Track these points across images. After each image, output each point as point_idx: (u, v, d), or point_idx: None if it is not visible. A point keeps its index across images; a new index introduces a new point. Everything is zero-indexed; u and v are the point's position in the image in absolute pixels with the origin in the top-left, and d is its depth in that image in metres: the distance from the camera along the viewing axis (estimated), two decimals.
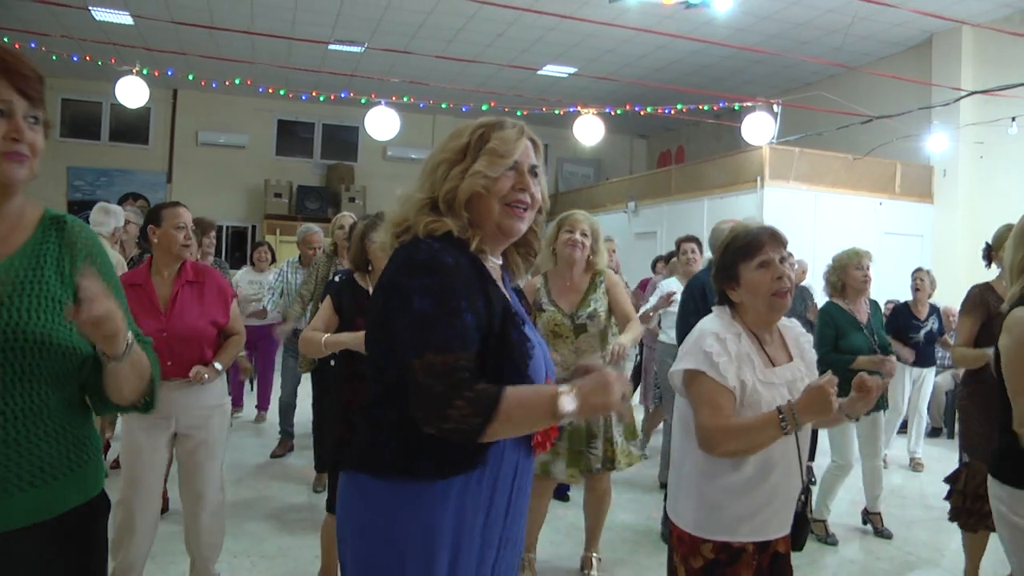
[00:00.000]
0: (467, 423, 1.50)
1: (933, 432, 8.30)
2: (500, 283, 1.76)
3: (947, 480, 3.99)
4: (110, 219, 5.35)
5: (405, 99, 9.99)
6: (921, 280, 6.49)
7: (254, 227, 14.65)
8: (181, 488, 3.34)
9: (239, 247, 14.70)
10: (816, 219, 9.85)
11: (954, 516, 3.85)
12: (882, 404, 4.85)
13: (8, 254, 1.51)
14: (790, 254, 2.36)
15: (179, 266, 3.28)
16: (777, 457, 2.21)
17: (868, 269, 4.76)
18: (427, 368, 1.51)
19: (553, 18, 9.90)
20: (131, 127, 14.66)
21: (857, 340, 4.66)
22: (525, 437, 1.68)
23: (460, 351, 1.55)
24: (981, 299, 3.94)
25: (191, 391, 3.21)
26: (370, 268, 3.41)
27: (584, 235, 3.77)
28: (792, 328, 2.43)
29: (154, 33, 11.22)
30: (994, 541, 3.15)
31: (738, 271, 2.29)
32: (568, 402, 1.52)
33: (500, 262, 1.81)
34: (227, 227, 14.79)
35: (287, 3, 10.34)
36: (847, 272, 4.75)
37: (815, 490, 4.68)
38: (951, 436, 8.39)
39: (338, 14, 10.67)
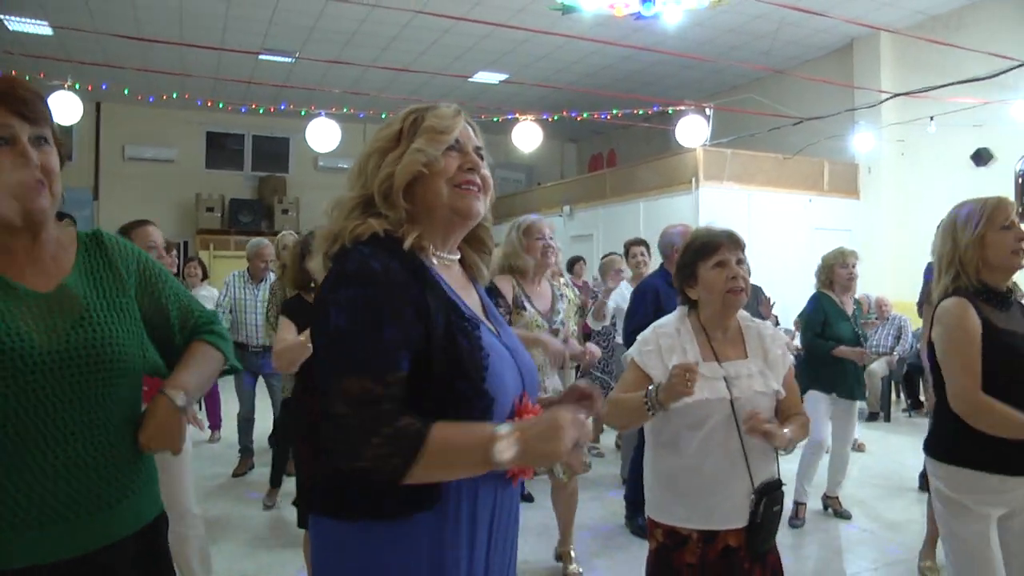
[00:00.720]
0: (384, 464, 1.28)
1: (871, 417, 8.61)
2: (448, 283, 1.53)
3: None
4: None
5: (346, 109, 9.89)
6: None
7: (186, 243, 14.31)
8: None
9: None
10: (750, 217, 10.10)
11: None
12: (859, 394, 5.10)
13: (65, 274, 1.52)
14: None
15: None
16: (714, 447, 2.32)
17: (854, 267, 5.10)
18: (342, 396, 1.30)
19: (488, 26, 9.97)
20: None
21: (844, 330, 5.01)
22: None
23: (380, 375, 1.32)
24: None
25: None
26: (312, 286, 3.44)
27: (551, 239, 3.85)
28: (757, 327, 2.55)
29: (75, 44, 10.90)
30: None
31: (696, 270, 2.44)
32: (504, 448, 1.28)
33: (457, 257, 1.63)
34: None
35: (217, 12, 10.16)
36: (833, 271, 5.10)
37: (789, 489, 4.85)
38: (887, 420, 8.72)
39: (269, 23, 10.53)
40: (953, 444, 2.49)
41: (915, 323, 8.20)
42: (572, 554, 4.10)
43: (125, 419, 1.53)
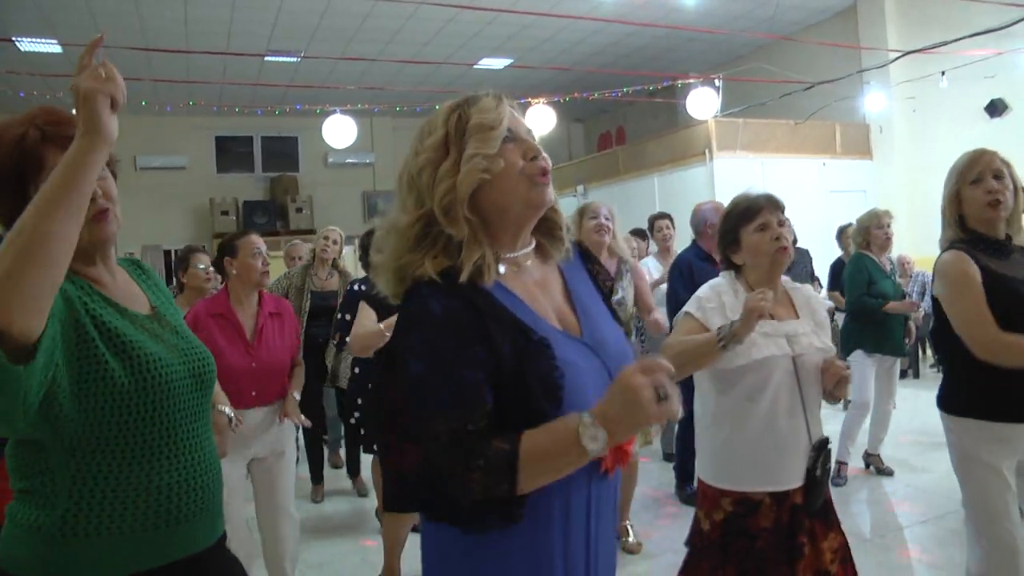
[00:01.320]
0: (493, 491, 1.30)
1: (901, 374, 8.65)
2: (518, 293, 1.46)
3: None
4: None
5: (360, 105, 9.94)
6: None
7: (203, 247, 14.40)
8: (260, 508, 3.39)
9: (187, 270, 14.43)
10: (765, 184, 10.06)
11: None
12: (901, 350, 5.23)
13: (140, 295, 1.62)
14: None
15: (258, 296, 3.38)
16: (780, 406, 2.35)
17: (888, 226, 5.17)
18: (433, 440, 1.32)
19: (491, 12, 9.98)
20: None
21: (887, 287, 5.14)
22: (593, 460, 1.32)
23: (466, 413, 1.31)
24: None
25: (271, 416, 3.32)
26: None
27: (607, 219, 3.92)
28: (802, 290, 2.61)
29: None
30: None
31: (739, 235, 2.49)
32: (591, 438, 1.24)
33: (531, 247, 1.54)
34: (175, 250, 14.52)
35: (222, 17, 10.21)
36: (869, 232, 5.23)
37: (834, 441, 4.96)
38: (916, 376, 8.77)
39: (274, 24, 10.58)
40: (962, 396, 2.58)
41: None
42: (629, 528, 4.19)
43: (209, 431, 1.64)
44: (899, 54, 8.46)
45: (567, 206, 7.00)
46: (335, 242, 5.59)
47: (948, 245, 2.61)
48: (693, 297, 2.52)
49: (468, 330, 1.35)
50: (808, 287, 2.67)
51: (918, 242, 9.87)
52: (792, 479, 2.34)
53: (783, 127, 10.73)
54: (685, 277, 4.45)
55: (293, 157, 15.94)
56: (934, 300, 2.64)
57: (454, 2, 9.04)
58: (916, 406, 7.26)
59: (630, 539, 4.15)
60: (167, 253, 13.47)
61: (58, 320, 1.30)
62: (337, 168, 15.48)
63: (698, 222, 4.77)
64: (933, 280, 2.65)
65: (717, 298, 2.46)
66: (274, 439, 3.33)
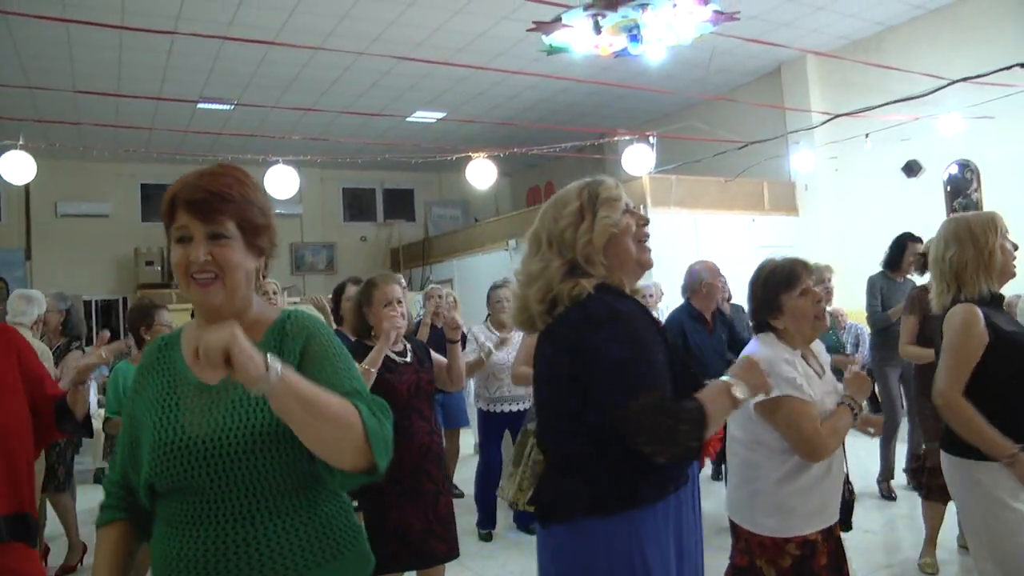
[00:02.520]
0: (692, 440, 1.72)
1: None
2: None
3: (914, 462, 4.41)
4: (32, 307, 5.12)
5: (302, 156, 9.84)
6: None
7: (125, 299, 13.93)
8: None
9: (108, 322, 13.94)
10: (697, 239, 10.36)
11: (925, 492, 4.23)
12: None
13: None
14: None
15: None
16: (838, 452, 2.52)
17: (829, 281, 5.69)
18: (646, 407, 1.71)
19: (428, 65, 10.06)
20: None
21: (828, 341, 5.47)
22: None
23: (663, 384, 1.80)
24: (919, 300, 4.38)
25: None
26: (373, 334, 3.51)
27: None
28: (814, 344, 2.75)
29: (5, 100, 10.63)
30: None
31: (780, 301, 2.57)
32: (739, 390, 1.83)
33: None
34: (95, 301, 14.00)
35: (157, 63, 10.04)
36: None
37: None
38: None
39: (209, 71, 10.46)
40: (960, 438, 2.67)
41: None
42: None
43: (304, 500, 1.56)
44: (828, 117, 8.83)
45: (499, 260, 7.26)
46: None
47: (961, 299, 2.72)
48: (779, 378, 2.42)
49: (648, 324, 1.92)
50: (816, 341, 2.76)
51: (840, 295, 10.19)
52: (836, 513, 2.55)
53: (715, 184, 11.04)
54: (677, 337, 4.55)
55: None
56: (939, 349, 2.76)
57: (393, 54, 9.14)
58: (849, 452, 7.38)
59: None
60: (86, 304, 12.98)
61: None
62: None
63: (693, 282, 4.91)
64: (932, 333, 2.85)
65: (793, 368, 2.48)
66: None
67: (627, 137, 9.89)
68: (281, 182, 7.83)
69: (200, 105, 11.49)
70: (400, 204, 17.09)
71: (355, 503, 3.92)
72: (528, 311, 1.99)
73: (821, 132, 10.82)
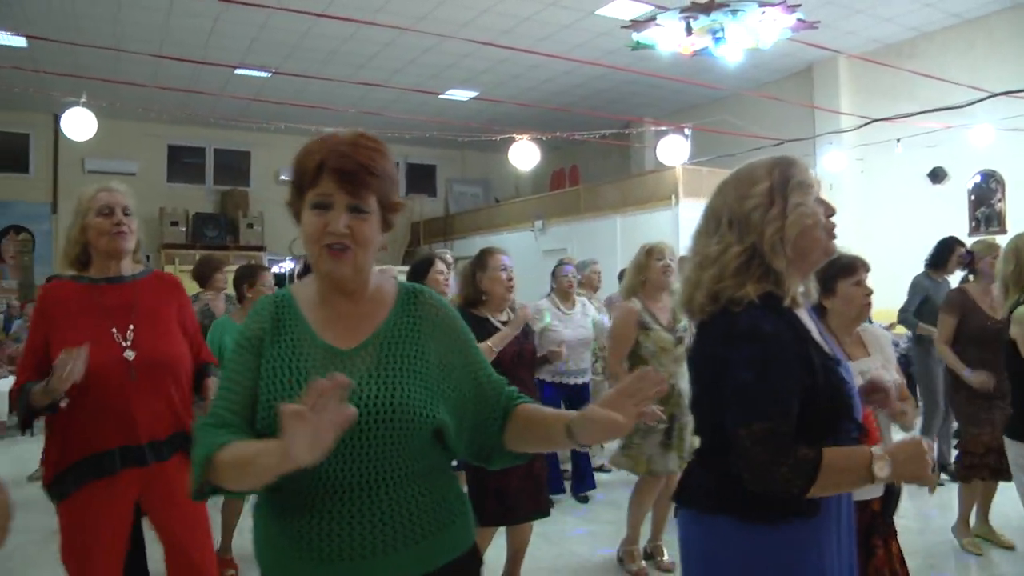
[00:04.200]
0: (790, 486, 1.62)
1: None
2: (812, 327, 1.84)
3: (957, 450, 4.72)
4: None
5: (364, 128, 9.92)
6: None
7: (148, 257, 14.04)
8: None
9: None
10: None
11: (963, 476, 4.51)
12: None
13: (372, 332, 1.61)
14: None
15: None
16: None
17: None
18: (752, 437, 1.64)
19: (471, 44, 10.20)
20: (8, 155, 13.79)
21: None
22: None
23: (780, 419, 1.65)
24: (959, 300, 4.61)
25: None
26: (484, 299, 3.71)
27: (672, 260, 4.17)
28: (871, 330, 3.02)
29: (46, 56, 10.71)
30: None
31: (836, 284, 2.84)
32: (882, 468, 1.62)
33: (802, 289, 1.88)
34: None
35: (203, 28, 10.14)
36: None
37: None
38: None
39: (253, 39, 10.56)
40: None
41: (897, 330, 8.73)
42: (664, 548, 4.42)
43: (421, 470, 1.58)
44: (865, 121, 9.05)
45: (525, 239, 7.47)
46: None
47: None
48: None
49: (789, 348, 1.71)
50: (879, 328, 3.02)
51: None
52: (871, 491, 2.66)
53: None
54: None
55: (244, 172, 15.78)
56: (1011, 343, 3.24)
57: (439, 32, 9.26)
58: None
59: (665, 558, 4.36)
60: None
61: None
62: (288, 186, 15.39)
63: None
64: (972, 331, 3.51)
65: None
66: None
67: (662, 127, 10.07)
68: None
69: (238, 71, 11.58)
70: (422, 179, 17.26)
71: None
72: (689, 294, 1.87)
73: (850, 133, 11.05)
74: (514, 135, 8.89)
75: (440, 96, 13.05)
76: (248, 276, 4.68)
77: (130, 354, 2.58)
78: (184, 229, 13.99)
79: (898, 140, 9.69)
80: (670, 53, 6.12)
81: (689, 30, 5.12)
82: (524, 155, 8.81)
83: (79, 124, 7.30)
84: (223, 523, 4.39)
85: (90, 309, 2.62)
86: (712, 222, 1.86)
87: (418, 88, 12.08)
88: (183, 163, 15.26)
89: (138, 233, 2.77)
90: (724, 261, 1.77)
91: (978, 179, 10.28)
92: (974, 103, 8.07)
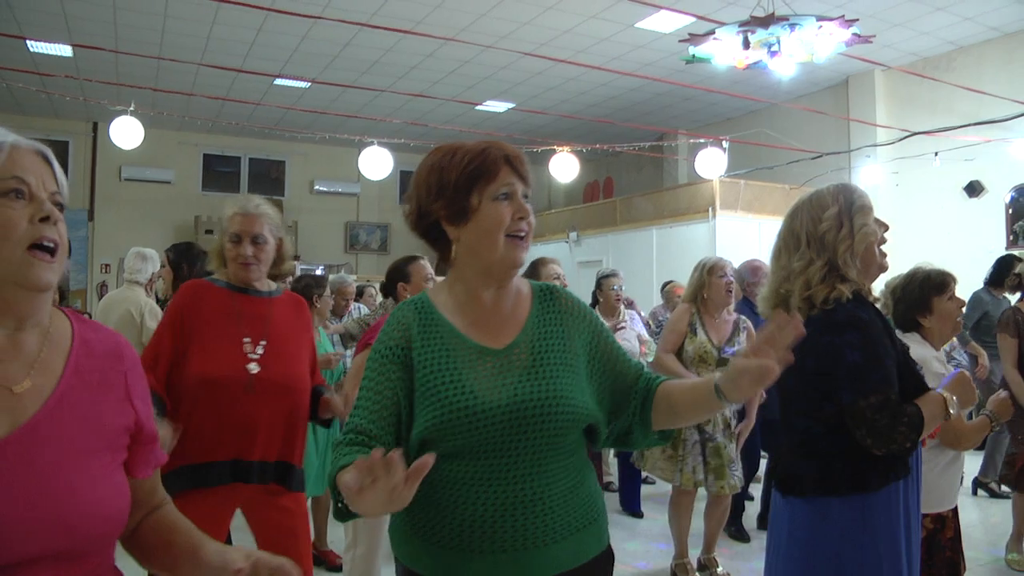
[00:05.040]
0: (908, 441, 1.99)
1: None
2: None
3: (1005, 463, 4.68)
4: (147, 265, 5.17)
5: (396, 139, 10.03)
6: None
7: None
8: None
9: None
10: (760, 244, 10.58)
11: (1014, 485, 4.51)
12: None
13: (519, 329, 1.67)
14: None
15: None
16: None
17: None
18: (871, 407, 1.97)
19: (509, 56, 10.28)
20: None
21: None
22: None
23: (890, 389, 2.01)
24: (1014, 320, 4.61)
25: None
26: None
27: (732, 276, 4.20)
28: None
29: (88, 64, 10.87)
30: None
31: (931, 303, 2.94)
32: (953, 406, 2.11)
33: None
34: None
35: (245, 38, 10.27)
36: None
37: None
38: None
39: (294, 50, 10.68)
40: None
41: None
42: (717, 560, 4.44)
43: (575, 464, 1.64)
44: (907, 134, 9.07)
45: (560, 250, 7.48)
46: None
47: None
48: (931, 374, 2.72)
49: (883, 332, 2.11)
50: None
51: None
52: (956, 496, 2.87)
53: (779, 190, 11.26)
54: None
55: (279, 181, 15.91)
56: None
57: (480, 43, 9.35)
58: None
59: (719, 570, 4.38)
60: None
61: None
62: (322, 196, 15.53)
63: (740, 279, 5.09)
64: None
65: (943, 366, 2.90)
66: None
67: (700, 140, 10.10)
68: (375, 163, 8.07)
69: (277, 81, 11.70)
70: None
71: None
72: (777, 299, 2.22)
73: (886, 146, 11.04)
74: (555, 147, 8.95)
75: (476, 108, 13.14)
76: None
77: (254, 367, 2.57)
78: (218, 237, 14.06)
79: (936, 153, 9.68)
80: (724, 67, 6.12)
81: (747, 44, 5.16)
82: (564, 167, 8.87)
83: (127, 132, 7.43)
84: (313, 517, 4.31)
85: (228, 313, 2.63)
86: (792, 241, 2.20)
87: (456, 98, 12.19)
88: (217, 172, 15.40)
89: (286, 246, 2.78)
90: (809, 274, 2.13)
91: (1016, 193, 10.24)
92: (1019, 116, 8.05)
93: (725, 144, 10.04)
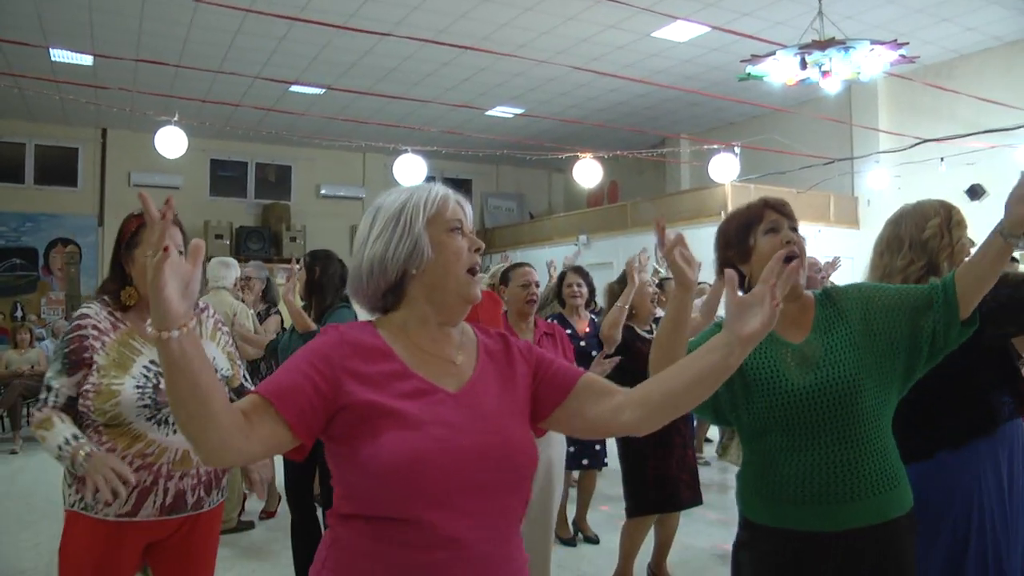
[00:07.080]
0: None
1: None
2: None
3: None
4: (230, 271, 5.57)
5: (381, 143, 10.16)
6: None
7: None
8: None
9: None
10: None
11: None
12: None
13: (808, 330, 2.04)
14: None
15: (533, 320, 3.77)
16: None
17: None
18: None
19: (522, 64, 10.49)
20: (58, 169, 14.04)
21: None
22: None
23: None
24: None
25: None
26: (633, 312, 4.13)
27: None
28: None
29: (107, 73, 10.95)
30: None
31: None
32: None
33: None
34: None
35: (267, 47, 10.41)
36: None
37: None
38: None
39: (313, 58, 10.83)
40: None
41: None
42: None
43: (871, 431, 1.94)
44: (917, 141, 9.37)
45: (568, 253, 7.58)
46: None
47: None
48: None
49: None
50: None
51: None
52: None
53: (786, 195, 11.50)
54: None
55: (286, 186, 16.02)
56: None
57: (499, 52, 9.54)
58: None
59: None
60: None
61: None
62: (329, 200, 15.66)
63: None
64: None
65: None
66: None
67: (712, 146, 10.36)
68: (409, 170, 8.26)
69: (292, 88, 11.84)
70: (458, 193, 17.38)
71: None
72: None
73: (890, 152, 11.39)
74: (577, 152, 9.17)
75: (487, 113, 13.35)
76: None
77: None
78: (228, 242, 14.18)
79: (941, 159, 10.01)
80: (778, 85, 6.37)
81: (804, 64, 5.45)
82: (587, 173, 9.09)
83: (171, 142, 7.61)
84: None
85: None
86: (896, 243, 2.45)
87: (466, 104, 12.39)
88: (224, 176, 15.48)
89: None
90: (909, 272, 2.39)
91: None
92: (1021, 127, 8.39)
93: (737, 150, 10.30)
